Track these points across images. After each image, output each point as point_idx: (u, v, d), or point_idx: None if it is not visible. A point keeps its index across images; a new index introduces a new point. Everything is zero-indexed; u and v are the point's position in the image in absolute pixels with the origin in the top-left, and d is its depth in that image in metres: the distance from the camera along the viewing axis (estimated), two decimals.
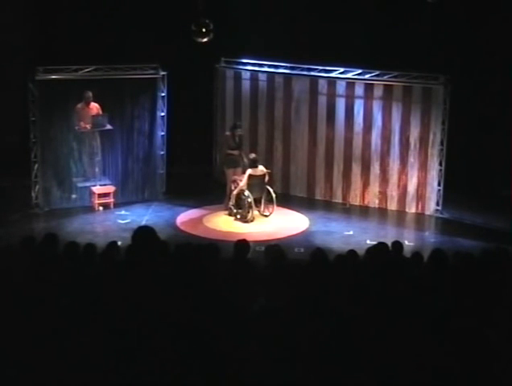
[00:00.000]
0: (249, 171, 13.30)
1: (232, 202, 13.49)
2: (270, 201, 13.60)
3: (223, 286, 6.16)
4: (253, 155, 13.52)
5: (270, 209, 13.64)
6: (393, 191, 14.36)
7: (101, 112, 13.82)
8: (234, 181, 13.58)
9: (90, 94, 13.69)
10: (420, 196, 14.14)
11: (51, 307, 5.82)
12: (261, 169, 13.46)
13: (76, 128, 13.77)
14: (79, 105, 13.73)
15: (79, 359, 5.38)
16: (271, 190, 13.60)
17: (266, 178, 13.56)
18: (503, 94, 13.85)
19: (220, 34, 13.06)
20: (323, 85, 14.62)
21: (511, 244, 8.76)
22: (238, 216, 13.41)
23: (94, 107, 13.81)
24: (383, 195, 14.47)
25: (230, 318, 5.65)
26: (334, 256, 6.76)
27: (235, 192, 13.43)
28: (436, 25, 14.06)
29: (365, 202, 14.63)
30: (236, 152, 13.93)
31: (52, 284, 6.24)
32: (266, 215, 13.62)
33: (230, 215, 13.55)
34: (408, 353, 5.28)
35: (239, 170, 13.70)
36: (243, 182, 13.30)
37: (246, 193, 13.30)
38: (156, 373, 5.29)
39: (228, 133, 14.14)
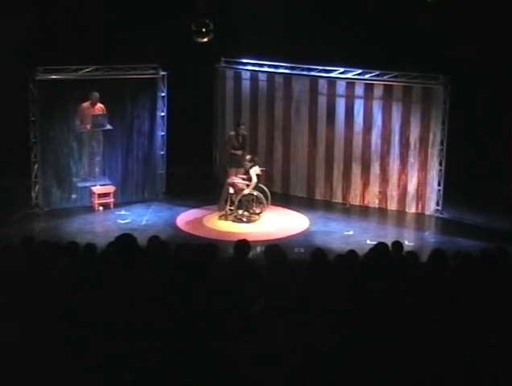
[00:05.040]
0: (255, 170, 13.32)
1: (234, 205, 13.38)
2: (265, 199, 13.63)
3: (223, 286, 6.16)
4: (248, 156, 13.58)
5: (264, 208, 13.64)
6: (393, 191, 14.36)
7: (105, 112, 13.82)
8: (233, 184, 13.46)
9: (97, 95, 13.70)
10: (420, 196, 14.14)
11: (51, 307, 5.82)
12: (255, 169, 13.53)
13: (77, 128, 13.78)
14: (84, 104, 13.73)
15: (79, 359, 5.38)
16: (266, 189, 13.62)
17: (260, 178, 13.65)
18: (503, 94, 13.84)
19: (220, 34, 13.06)
20: (323, 85, 14.63)
21: (511, 244, 8.75)
22: (245, 219, 13.37)
23: (99, 108, 13.81)
24: (383, 195, 14.48)
25: (230, 318, 5.65)
26: (334, 256, 6.75)
27: (241, 196, 13.32)
28: (436, 25, 14.06)
29: (365, 202, 14.63)
30: (239, 152, 13.93)
31: (52, 284, 6.24)
32: (257, 214, 13.59)
33: (226, 218, 13.42)
34: (408, 353, 5.28)
35: (241, 170, 13.71)
36: (252, 184, 13.31)
37: (255, 193, 13.36)
38: (156, 373, 5.29)
39: (232, 132, 14.15)
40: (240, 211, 13.39)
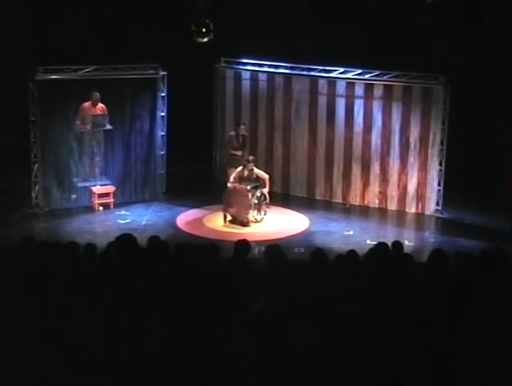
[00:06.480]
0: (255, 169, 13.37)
1: (256, 212, 13.29)
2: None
3: (223, 286, 6.16)
4: (251, 157, 13.56)
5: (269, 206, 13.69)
6: (393, 191, 14.36)
7: (106, 112, 13.81)
8: (250, 190, 13.14)
9: (98, 95, 13.69)
10: (420, 196, 14.14)
11: (51, 307, 5.82)
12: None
13: (77, 128, 13.78)
14: (85, 104, 13.72)
15: (79, 359, 5.38)
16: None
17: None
18: (503, 94, 13.85)
19: (220, 34, 13.06)
20: (323, 85, 14.62)
21: (511, 244, 8.76)
22: (259, 219, 13.34)
23: (100, 107, 13.81)
24: (383, 195, 14.47)
25: (230, 318, 5.65)
26: (334, 256, 6.75)
27: (257, 197, 13.25)
28: (436, 25, 14.06)
29: (365, 202, 14.63)
30: (239, 152, 13.96)
31: (52, 284, 6.24)
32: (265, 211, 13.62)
33: (248, 225, 13.14)
34: (408, 352, 5.28)
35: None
36: (267, 180, 13.35)
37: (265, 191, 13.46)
38: (156, 373, 5.29)
39: (232, 133, 14.19)
40: (255, 213, 13.31)
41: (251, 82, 15.26)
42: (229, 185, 13.29)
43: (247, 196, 13.11)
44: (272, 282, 6.24)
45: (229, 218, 13.23)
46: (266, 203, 13.51)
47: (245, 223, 13.10)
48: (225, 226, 13.13)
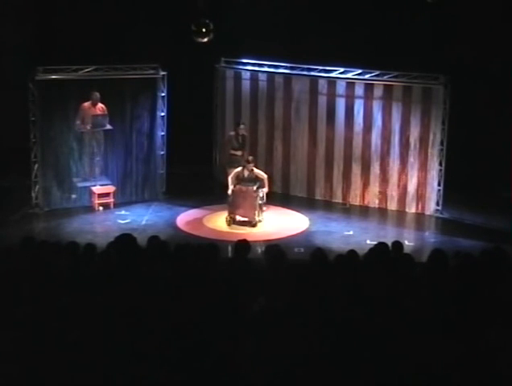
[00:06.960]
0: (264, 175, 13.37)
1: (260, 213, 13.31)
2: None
3: (223, 286, 6.16)
4: (251, 157, 13.55)
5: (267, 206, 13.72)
6: (393, 191, 14.37)
7: (106, 112, 13.81)
8: (256, 191, 13.14)
9: (98, 95, 13.70)
10: (420, 196, 14.15)
11: (51, 307, 5.82)
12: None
13: (77, 128, 13.79)
14: (85, 104, 13.73)
15: (79, 359, 5.38)
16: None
17: None
18: (503, 94, 13.85)
19: (220, 34, 13.06)
20: (323, 85, 14.63)
21: (511, 244, 8.75)
22: (261, 219, 13.33)
23: (100, 107, 13.81)
24: (383, 195, 14.48)
25: (230, 318, 5.65)
26: (334, 256, 6.75)
27: (260, 201, 13.28)
28: (436, 25, 14.06)
29: (365, 202, 14.63)
30: (239, 152, 13.97)
31: (52, 284, 6.24)
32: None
33: (255, 225, 13.13)
34: (408, 353, 5.28)
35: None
36: (266, 180, 13.33)
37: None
38: (156, 373, 5.29)
39: (232, 133, 14.21)
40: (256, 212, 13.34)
41: (251, 82, 15.26)
42: (232, 188, 13.21)
43: (254, 197, 13.11)
44: (272, 282, 6.23)
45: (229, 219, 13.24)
46: (264, 203, 13.52)
47: (253, 224, 13.09)
48: (230, 228, 13.08)
